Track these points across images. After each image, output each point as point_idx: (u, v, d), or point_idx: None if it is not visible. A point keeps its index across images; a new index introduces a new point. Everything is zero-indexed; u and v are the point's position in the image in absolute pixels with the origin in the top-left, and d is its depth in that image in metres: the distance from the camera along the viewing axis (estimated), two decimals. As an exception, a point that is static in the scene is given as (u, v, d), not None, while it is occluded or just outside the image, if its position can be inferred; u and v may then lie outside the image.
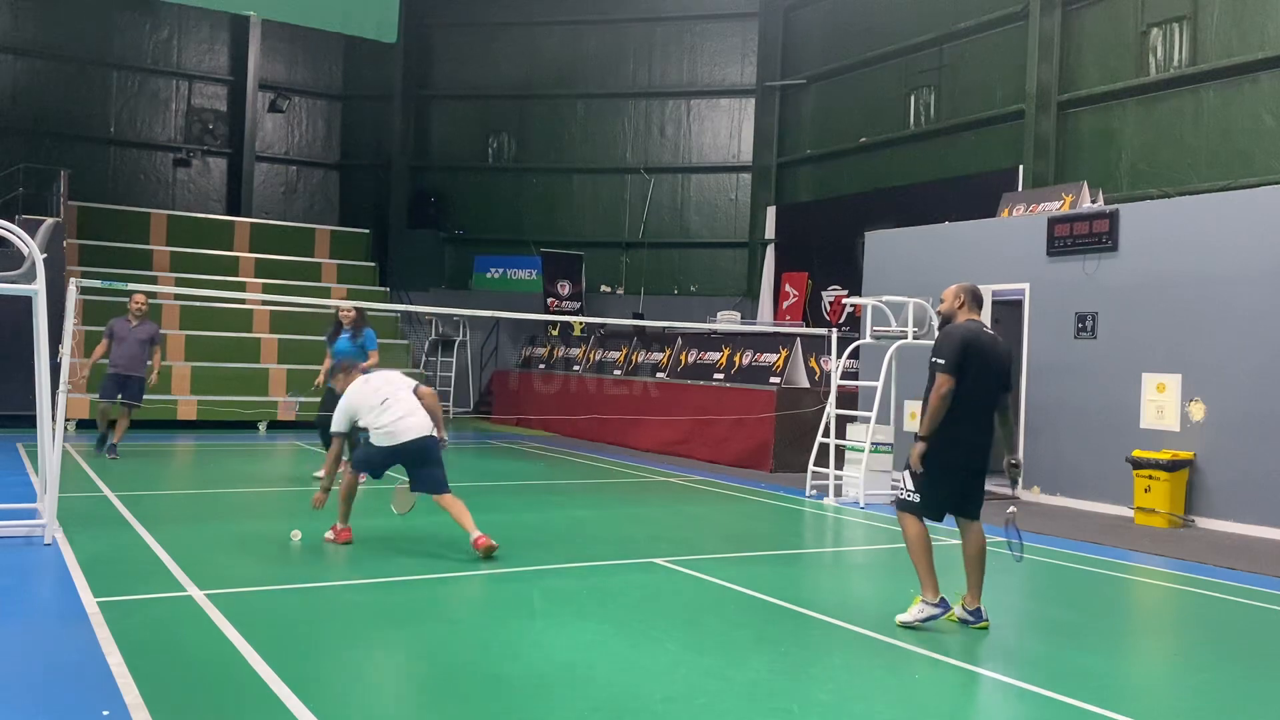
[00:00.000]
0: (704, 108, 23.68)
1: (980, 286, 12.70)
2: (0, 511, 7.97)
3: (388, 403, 7.59)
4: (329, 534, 7.87)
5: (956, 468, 6.03)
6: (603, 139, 24.22)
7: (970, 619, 6.06)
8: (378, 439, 7.65)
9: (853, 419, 12.08)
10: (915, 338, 11.53)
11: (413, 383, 7.90)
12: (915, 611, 5.99)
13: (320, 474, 11.22)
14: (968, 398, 5.91)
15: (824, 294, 20.55)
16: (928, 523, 6.19)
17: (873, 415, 11.42)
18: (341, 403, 7.74)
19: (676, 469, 14.19)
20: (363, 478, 8.26)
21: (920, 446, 5.97)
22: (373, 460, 7.80)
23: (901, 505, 6.13)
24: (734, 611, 6.43)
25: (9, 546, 7.32)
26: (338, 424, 7.70)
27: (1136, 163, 15.62)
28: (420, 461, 7.64)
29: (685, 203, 23.75)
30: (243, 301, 19.15)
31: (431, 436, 7.61)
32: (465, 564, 7.33)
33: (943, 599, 6.01)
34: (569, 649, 5.32)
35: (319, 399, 11.32)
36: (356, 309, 11.46)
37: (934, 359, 5.95)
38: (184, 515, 9.36)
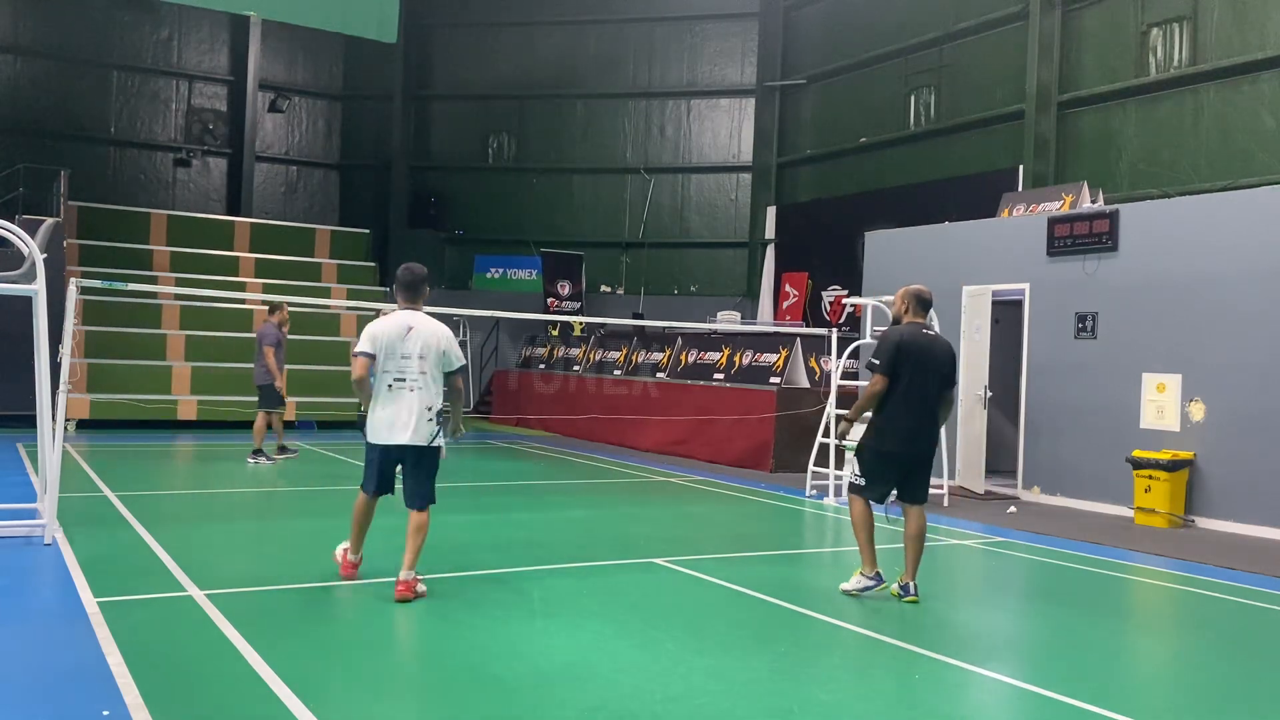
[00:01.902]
0: (704, 108, 23.68)
1: (979, 287, 12.77)
2: (0, 511, 7.97)
3: (412, 333, 6.33)
4: (337, 552, 6.81)
5: (896, 455, 6.69)
6: (603, 139, 24.22)
7: (902, 593, 6.65)
8: (370, 428, 6.40)
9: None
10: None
11: (455, 358, 6.49)
12: (854, 582, 6.75)
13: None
14: (906, 393, 6.59)
15: (824, 294, 20.55)
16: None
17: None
18: (368, 327, 6.49)
19: (676, 469, 14.19)
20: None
21: (843, 426, 7.07)
22: (369, 468, 6.59)
23: (851, 488, 6.92)
24: (734, 611, 6.43)
25: (9, 546, 7.32)
26: (362, 344, 6.38)
27: (1136, 163, 15.62)
28: (418, 468, 6.51)
29: (685, 203, 23.75)
30: (243, 301, 19.14)
31: (432, 448, 6.41)
32: (465, 564, 7.33)
33: (878, 573, 6.71)
34: (569, 649, 5.32)
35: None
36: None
37: (871, 359, 6.76)
38: (184, 515, 9.36)
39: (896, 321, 6.95)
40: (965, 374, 11.80)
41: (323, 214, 25.17)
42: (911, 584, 6.65)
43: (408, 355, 6.31)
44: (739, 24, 23.24)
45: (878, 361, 6.63)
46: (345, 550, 6.77)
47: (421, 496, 6.43)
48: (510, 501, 10.80)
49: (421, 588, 6.31)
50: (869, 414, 6.79)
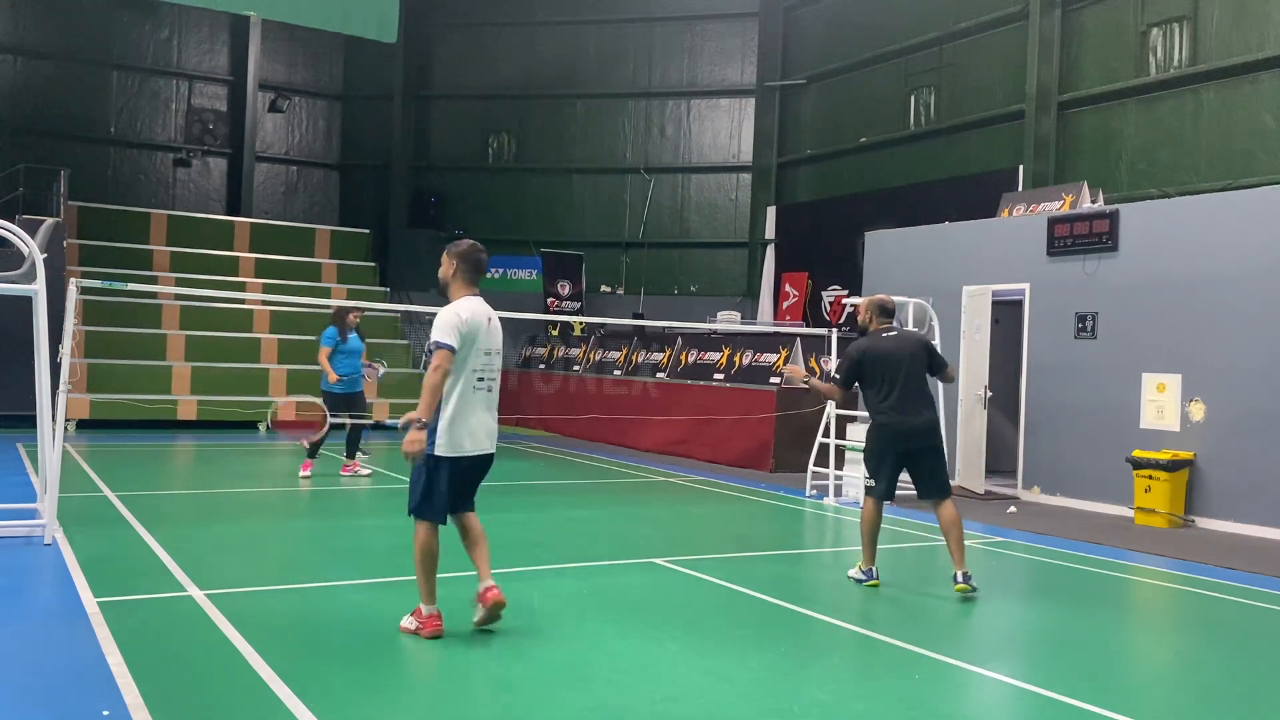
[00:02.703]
0: (704, 108, 23.68)
1: (979, 287, 12.76)
2: (0, 511, 7.97)
3: (492, 324, 5.64)
4: (408, 621, 5.53)
5: (888, 449, 7.04)
6: (603, 139, 24.22)
7: (955, 582, 6.88)
8: (450, 438, 5.42)
9: (853, 419, 12.08)
10: (915, 338, 11.53)
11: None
12: (852, 571, 7.25)
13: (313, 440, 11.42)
14: (881, 392, 7.01)
15: (824, 294, 20.56)
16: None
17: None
18: (448, 315, 5.47)
19: (676, 469, 14.19)
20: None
21: (812, 382, 7.78)
22: (439, 489, 5.47)
23: (866, 490, 7.28)
24: (734, 611, 6.43)
25: (9, 546, 7.32)
26: (448, 335, 5.39)
27: (1136, 163, 15.62)
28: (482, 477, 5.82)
29: (685, 203, 23.75)
30: (243, 301, 19.16)
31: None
32: (465, 564, 7.32)
33: (871, 570, 7.09)
34: (569, 649, 5.32)
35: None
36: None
37: (833, 373, 7.34)
38: (184, 515, 9.36)
39: (863, 331, 7.39)
40: (965, 374, 11.80)
41: (323, 214, 25.17)
42: (959, 573, 6.85)
43: (490, 350, 5.60)
44: (739, 24, 23.25)
45: (838, 375, 7.29)
46: (419, 615, 5.50)
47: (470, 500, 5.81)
48: (510, 501, 10.79)
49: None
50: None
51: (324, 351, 11.57)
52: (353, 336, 11.72)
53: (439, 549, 5.55)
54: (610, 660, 5.19)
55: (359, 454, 12.13)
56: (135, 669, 4.70)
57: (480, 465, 5.66)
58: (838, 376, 7.26)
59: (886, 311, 7.32)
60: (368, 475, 11.71)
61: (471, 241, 5.79)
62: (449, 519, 5.63)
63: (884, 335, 7.16)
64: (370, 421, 11.86)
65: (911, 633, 5.93)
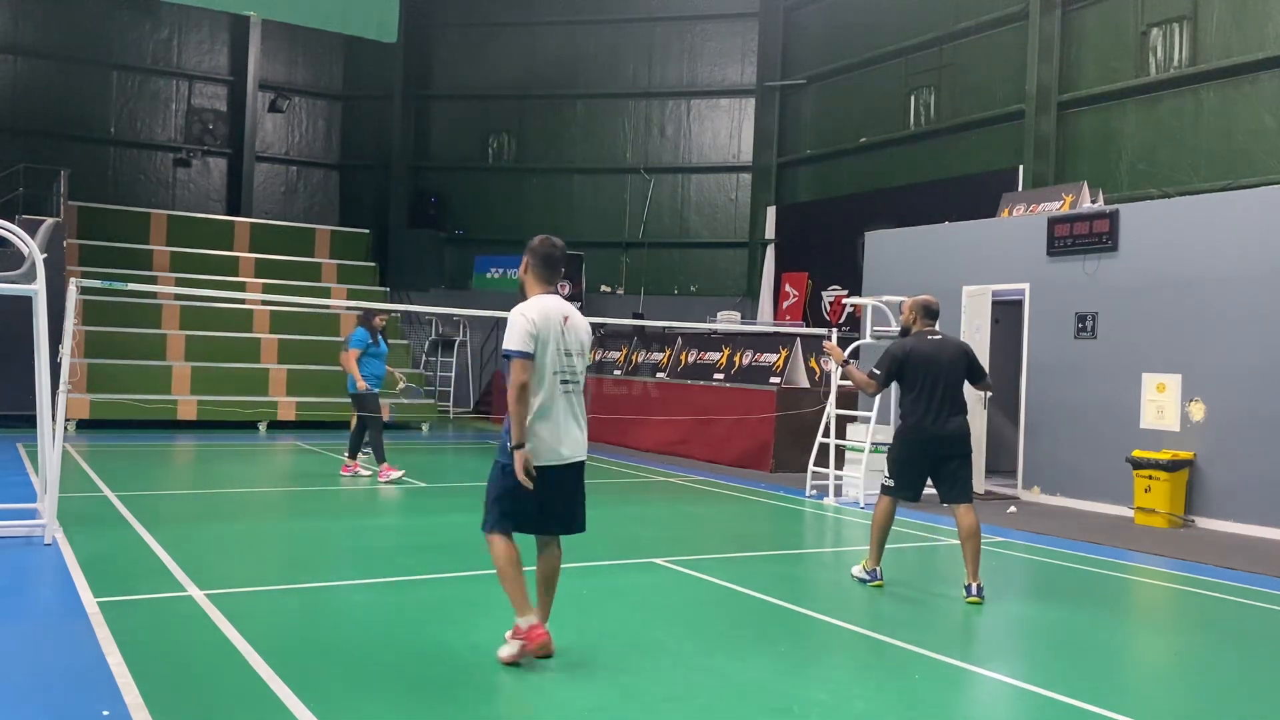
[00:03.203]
0: (704, 108, 23.68)
1: (979, 287, 12.77)
2: (0, 511, 7.97)
3: (570, 323, 5.20)
4: (507, 649, 5.03)
5: (915, 453, 6.97)
6: (603, 139, 24.22)
7: (965, 594, 6.78)
8: (545, 444, 5.06)
9: (853, 419, 12.08)
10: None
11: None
12: (856, 569, 7.27)
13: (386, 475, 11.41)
14: (919, 395, 6.92)
15: (824, 294, 20.55)
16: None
17: (873, 415, 11.43)
18: (515, 319, 5.08)
19: (676, 469, 14.19)
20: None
21: (841, 362, 7.64)
22: (507, 500, 5.12)
23: (882, 489, 7.19)
24: (734, 611, 6.43)
25: (9, 546, 7.32)
26: (521, 342, 5.03)
27: (1136, 163, 15.62)
28: (577, 488, 5.29)
29: (685, 203, 23.75)
30: (243, 301, 19.16)
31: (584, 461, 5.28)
32: (465, 564, 7.33)
33: (875, 570, 7.11)
34: (569, 649, 5.32)
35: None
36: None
37: (873, 368, 7.19)
38: (184, 515, 9.36)
39: (905, 332, 7.32)
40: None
41: (323, 214, 25.17)
42: (974, 585, 6.73)
43: (570, 351, 5.17)
44: (739, 24, 23.24)
45: (878, 371, 7.12)
46: (516, 629, 5.07)
47: (578, 518, 5.29)
48: (510, 501, 10.79)
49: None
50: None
51: (353, 354, 11.55)
52: (381, 340, 11.88)
53: (518, 554, 5.11)
54: (610, 660, 5.19)
55: (360, 454, 12.15)
56: (135, 669, 4.70)
57: (562, 480, 5.12)
58: (877, 372, 7.11)
59: (931, 313, 7.23)
60: (368, 476, 11.71)
61: (544, 236, 5.36)
62: (538, 543, 5.23)
63: (928, 338, 7.08)
64: (382, 423, 11.91)
65: (911, 632, 5.93)
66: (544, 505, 5.09)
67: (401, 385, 13.30)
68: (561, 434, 5.10)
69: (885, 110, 19.95)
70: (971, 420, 11.98)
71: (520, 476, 4.94)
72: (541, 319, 5.07)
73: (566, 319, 5.18)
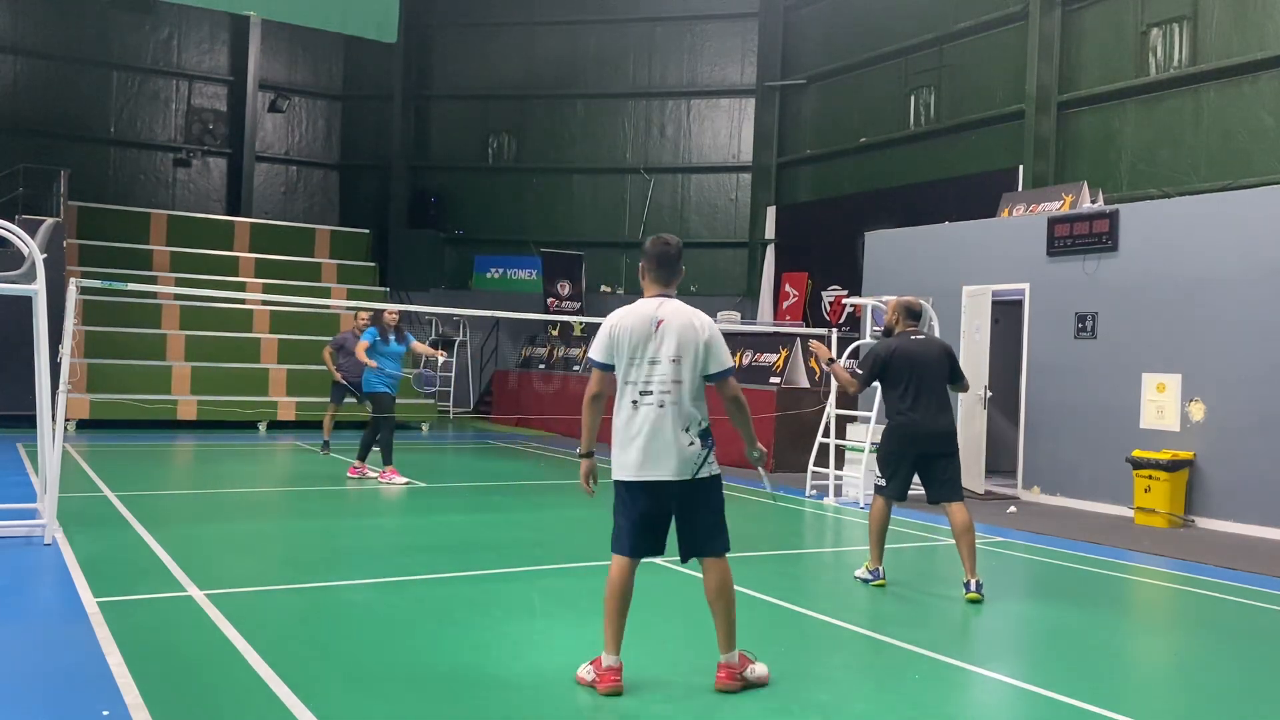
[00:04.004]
0: (704, 108, 23.68)
1: (979, 287, 12.77)
2: (0, 511, 7.97)
3: (663, 328, 4.80)
4: (585, 670, 4.81)
5: (903, 451, 7.04)
6: (603, 139, 24.23)
7: (965, 591, 6.81)
8: (616, 458, 4.92)
9: (853, 419, 12.08)
10: (915, 338, 11.54)
11: (723, 356, 4.90)
12: (859, 571, 7.33)
13: (382, 476, 11.42)
14: (904, 394, 7.02)
15: (824, 294, 20.55)
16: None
17: (872, 415, 11.41)
18: (603, 325, 4.97)
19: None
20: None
21: (830, 365, 7.42)
22: (618, 518, 5.02)
23: (875, 489, 7.32)
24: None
25: (9, 546, 7.31)
26: (596, 350, 4.97)
27: (1136, 163, 15.62)
28: (691, 508, 4.95)
29: (685, 203, 23.75)
30: (243, 301, 19.16)
31: (699, 481, 4.89)
32: (465, 564, 7.33)
33: (877, 569, 7.18)
34: (569, 649, 5.32)
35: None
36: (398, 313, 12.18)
37: (856, 369, 7.30)
38: (184, 515, 9.36)
39: (889, 332, 7.44)
40: (965, 374, 11.78)
41: (323, 214, 25.18)
42: (972, 581, 6.79)
43: (657, 359, 4.79)
44: (739, 24, 23.24)
45: (860, 372, 7.36)
46: (596, 662, 4.80)
47: (707, 543, 4.95)
48: (510, 501, 10.80)
49: (760, 670, 4.84)
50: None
51: (362, 345, 11.61)
52: (393, 340, 11.76)
53: (630, 588, 4.84)
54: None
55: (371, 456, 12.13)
56: (135, 669, 4.70)
57: (658, 495, 4.82)
58: (860, 372, 7.29)
59: (913, 314, 7.36)
60: (374, 477, 11.70)
61: (656, 235, 5.00)
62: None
63: (911, 338, 7.20)
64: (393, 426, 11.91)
65: (911, 632, 5.93)
66: (638, 525, 4.89)
67: (441, 359, 13.17)
68: (641, 452, 4.81)
69: (885, 110, 19.95)
70: (972, 420, 12.09)
71: (584, 485, 5.02)
72: (621, 323, 4.84)
73: (660, 324, 4.78)
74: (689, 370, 4.79)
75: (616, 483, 4.94)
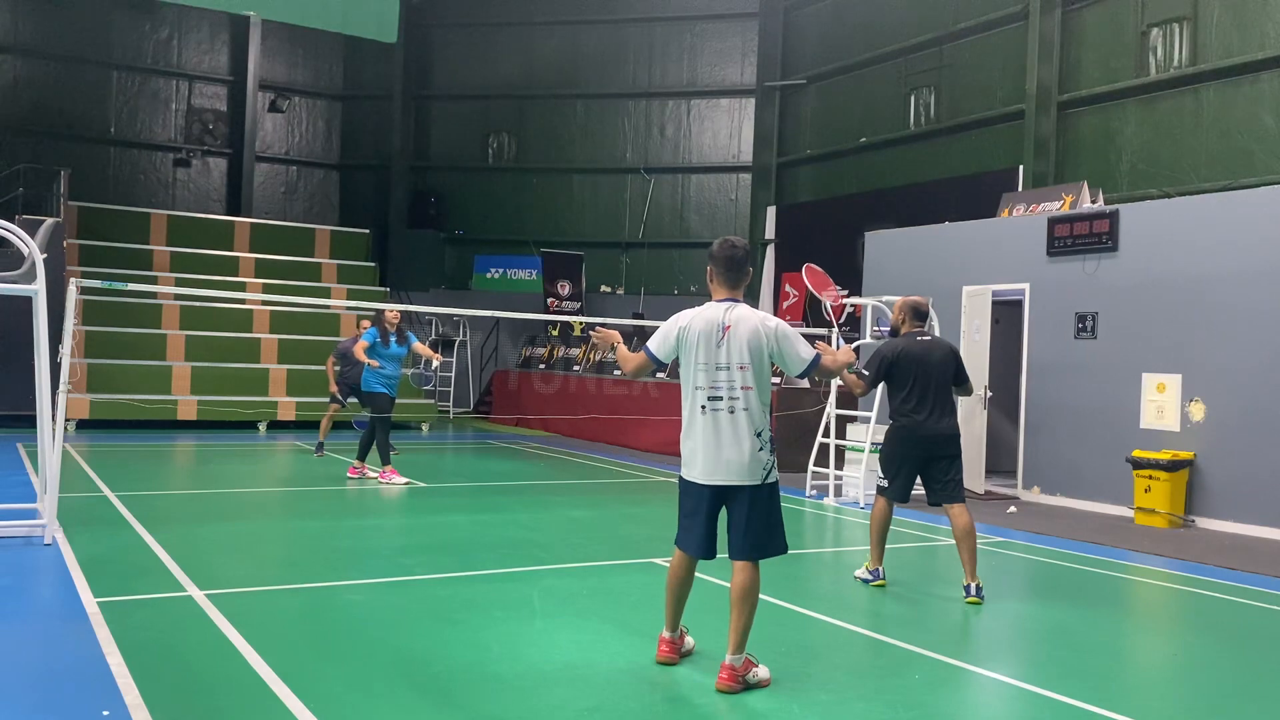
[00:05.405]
0: (704, 108, 23.68)
1: (979, 287, 12.77)
2: (0, 511, 7.97)
3: (729, 334, 4.81)
4: (666, 652, 5.13)
5: (905, 452, 7.04)
6: (603, 139, 24.23)
7: (964, 594, 6.80)
8: (683, 454, 5.03)
9: (853, 419, 12.08)
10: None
11: (804, 352, 4.99)
12: (860, 571, 7.33)
13: (380, 476, 11.44)
14: (908, 395, 7.01)
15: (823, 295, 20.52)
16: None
17: (873, 415, 11.42)
18: (671, 319, 5.05)
19: (676, 469, 14.14)
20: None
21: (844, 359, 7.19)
22: (681, 511, 5.19)
23: (877, 489, 7.31)
24: (734, 611, 6.41)
25: (9, 546, 7.31)
26: (652, 340, 5.05)
27: (1136, 163, 15.62)
28: (750, 512, 4.91)
29: (685, 203, 23.75)
30: (243, 301, 19.16)
31: (762, 486, 4.88)
32: (465, 564, 7.33)
33: (877, 570, 7.19)
34: (569, 649, 5.32)
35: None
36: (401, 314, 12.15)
37: (862, 369, 7.30)
38: (184, 515, 9.35)
39: (895, 332, 7.39)
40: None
41: (323, 214, 25.17)
42: (973, 585, 6.76)
43: (724, 365, 4.80)
44: (739, 24, 23.24)
45: (867, 372, 7.24)
46: (665, 641, 5.13)
47: (752, 546, 4.88)
48: (510, 501, 10.80)
49: (762, 673, 4.85)
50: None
51: (362, 345, 11.60)
52: (393, 343, 11.72)
53: (687, 579, 5.06)
54: (610, 660, 5.19)
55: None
56: (135, 669, 4.70)
57: (713, 498, 4.89)
58: (866, 372, 7.22)
59: (920, 314, 7.33)
60: (374, 477, 11.70)
61: (723, 238, 5.05)
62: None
63: (918, 339, 7.15)
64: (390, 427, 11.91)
65: (912, 632, 5.93)
66: (701, 525, 4.97)
67: (437, 363, 13.13)
68: (702, 455, 4.88)
69: (885, 110, 19.94)
70: (972, 420, 12.10)
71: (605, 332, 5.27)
72: (687, 324, 4.88)
73: (727, 329, 4.79)
74: (756, 377, 4.84)
75: (682, 480, 5.07)
